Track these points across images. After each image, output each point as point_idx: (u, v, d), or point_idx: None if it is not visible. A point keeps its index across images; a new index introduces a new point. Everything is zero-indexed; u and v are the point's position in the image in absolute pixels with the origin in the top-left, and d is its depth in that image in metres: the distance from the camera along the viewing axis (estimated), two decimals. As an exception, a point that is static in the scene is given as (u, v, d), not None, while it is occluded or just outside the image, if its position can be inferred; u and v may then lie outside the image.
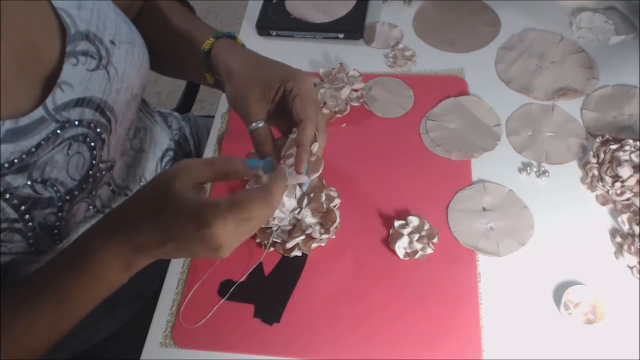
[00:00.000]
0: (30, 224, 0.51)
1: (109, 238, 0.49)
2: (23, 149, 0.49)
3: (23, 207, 0.50)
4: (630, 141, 0.65)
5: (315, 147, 0.57)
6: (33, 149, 0.50)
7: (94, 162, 0.57)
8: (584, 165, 0.68)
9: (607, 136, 0.68)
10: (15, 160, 0.49)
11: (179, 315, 0.61)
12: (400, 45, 0.83)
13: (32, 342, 0.51)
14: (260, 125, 0.57)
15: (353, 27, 0.85)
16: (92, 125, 0.56)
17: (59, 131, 0.53)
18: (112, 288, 0.51)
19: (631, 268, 0.61)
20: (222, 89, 0.66)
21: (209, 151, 0.75)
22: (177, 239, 0.47)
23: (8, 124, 0.48)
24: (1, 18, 0.49)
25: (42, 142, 0.51)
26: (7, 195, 0.48)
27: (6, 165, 0.48)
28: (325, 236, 0.63)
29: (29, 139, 0.50)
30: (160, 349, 0.59)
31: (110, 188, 0.65)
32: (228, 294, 0.62)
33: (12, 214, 0.49)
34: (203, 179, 0.50)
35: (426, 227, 0.63)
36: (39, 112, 0.51)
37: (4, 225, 0.49)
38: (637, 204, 0.64)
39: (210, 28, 0.68)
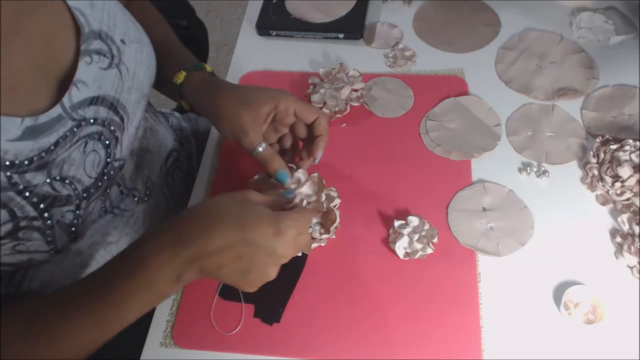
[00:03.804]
0: (49, 221, 0.51)
1: (164, 245, 0.49)
2: (42, 146, 0.50)
3: (42, 205, 0.50)
4: (630, 141, 0.65)
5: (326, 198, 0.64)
6: (52, 147, 0.51)
7: (108, 160, 0.58)
8: (584, 165, 0.68)
9: (607, 136, 0.68)
10: (35, 158, 0.49)
11: (178, 315, 0.61)
12: (400, 45, 0.83)
13: (76, 346, 0.50)
14: (261, 148, 0.61)
15: (353, 27, 0.85)
16: (106, 123, 0.57)
17: (75, 129, 0.53)
18: (161, 297, 0.50)
19: (631, 268, 0.61)
20: (197, 113, 0.70)
21: (210, 151, 0.75)
22: (255, 242, 0.49)
23: (28, 122, 0.49)
24: (20, 18, 0.50)
25: (60, 140, 0.52)
26: (27, 193, 0.49)
27: (26, 162, 0.48)
28: (325, 236, 0.63)
29: (48, 136, 0.50)
30: (160, 349, 0.59)
31: (120, 189, 0.66)
32: (227, 294, 0.62)
33: (32, 212, 0.50)
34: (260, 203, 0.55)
35: (426, 227, 0.63)
36: (57, 110, 0.51)
37: (23, 223, 0.49)
38: (637, 204, 0.64)
39: (183, 55, 0.71)
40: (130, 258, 0.50)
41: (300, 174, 0.63)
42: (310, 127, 0.64)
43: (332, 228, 0.63)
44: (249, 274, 0.51)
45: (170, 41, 0.74)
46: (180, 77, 0.66)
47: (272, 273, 0.52)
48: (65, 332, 0.49)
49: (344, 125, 0.75)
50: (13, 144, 0.47)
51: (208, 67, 0.68)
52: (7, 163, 0.47)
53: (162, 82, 0.72)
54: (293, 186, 0.63)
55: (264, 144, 0.61)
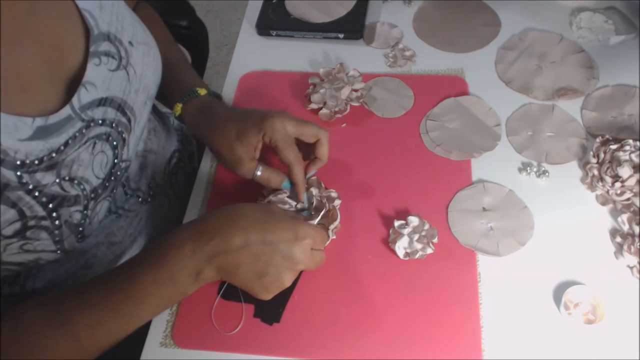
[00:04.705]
0: (57, 221, 0.52)
1: (186, 240, 0.51)
2: (52, 146, 0.50)
3: (51, 205, 0.51)
4: (630, 141, 0.65)
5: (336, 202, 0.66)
6: (62, 147, 0.51)
7: (115, 160, 0.58)
8: (584, 165, 0.68)
9: (607, 136, 0.68)
10: (45, 158, 0.50)
11: (178, 315, 0.61)
12: (400, 45, 0.83)
13: (92, 340, 0.51)
14: (259, 172, 0.63)
15: (353, 27, 0.85)
16: (114, 124, 0.57)
17: (84, 130, 0.54)
18: (179, 294, 0.52)
19: (631, 268, 0.61)
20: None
21: (209, 151, 0.75)
22: (273, 244, 0.52)
23: (38, 122, 0.49)
24: (30, 19, 0.50)
25: (70, 141, 0.52)
26: (36, 193, 0.49)
27: (36, 162, 0.49)
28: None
29: (58, 136, 0.51)
30: (160, 349, 0.59)
31: (124, 189, 0.66)
32: (228, 294, 0.62)
33: (41, 212, 0.50)
34: None
35: (426, 227, 0.63)
36: (66, 110, 0.52)
37: (31, 223, 0.50)
38: (637, 204, 0.64)
39: (182, 76, 0.73)
40: (152, 252, 0.52)
41: (314, 192, 0.65)
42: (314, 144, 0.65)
43: (332, 228, 0.63)
44: (265, 277, 0.53)
45: (170, 61, 0.74)
46: (177, 109, 0.68)
47: (287, 279, 0.54)
48: (82, 325, 0.50)
49: (344, 125, 0.75)
50: (24, 144, 0.48)
51: (202, 91, 0.69)
52: (18, 162, 0.47)
53: (162, 99, 0.73)
54: (305, 205, 0.65)
55: (260, 169, 0.63)
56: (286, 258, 0.53)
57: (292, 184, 0.64)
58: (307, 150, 0.66)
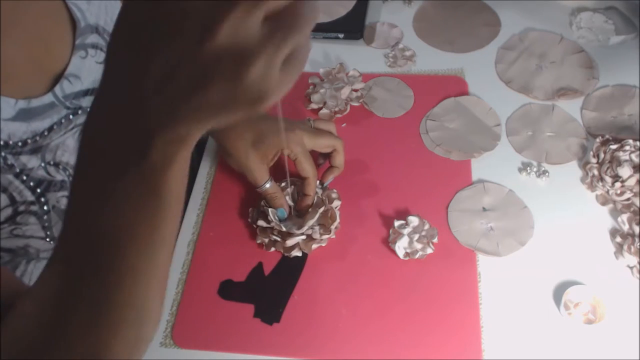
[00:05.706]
0: (45, 207, 0.53)
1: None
2: (36, 130, 0.51)
3: (38, 189, 0.52)
4: (630, 141, 0.65)
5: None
6: (45, 132, 0.52)
7: None
8: (584, 165, 0.68)
9: (607, 136, 0.68)
10: (29, 141, 0.51)
11: (178, 315, 0.61)
12: (400, 45, 0.83)
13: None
14: (267, 185, 0.62)
15: (353, 27, 0.85)
16: None
17: (71, 116, 0.54)
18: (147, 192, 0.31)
19: (631, 268, 0.61)
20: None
21: (210, 150, 0.75)
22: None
23: (21, 104, 0.50)
24: (16, 11, 0.51)
25: (55, 126, 0.53)
26: (24, 177, 0.50)
27: (19, 144, 0.50)
28: (325, 236, 0.63)
29: (41, 121, 0.52)
30: (160, 349, 0.59)
31: None
32: (228, 294, 0.62)
33: (29, 196, 0.51)
34: None
35: (426, 227, 0.63)
36: (49, 97, 0.53)
37: (21, 208, 0.51)
38: (637, 204, 0.64)
39: None
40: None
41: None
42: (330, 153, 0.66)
43: (332, 227, 0.63)
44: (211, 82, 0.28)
45: None
46: None
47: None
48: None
49: (344, 125, 0.75)
50: (6, 124, 0.49)
51: None
52: (1, 143, 0.48)
53: None
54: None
55: (269, 182, 0.63)
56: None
57: (305, 194, 0.64)
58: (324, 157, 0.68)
